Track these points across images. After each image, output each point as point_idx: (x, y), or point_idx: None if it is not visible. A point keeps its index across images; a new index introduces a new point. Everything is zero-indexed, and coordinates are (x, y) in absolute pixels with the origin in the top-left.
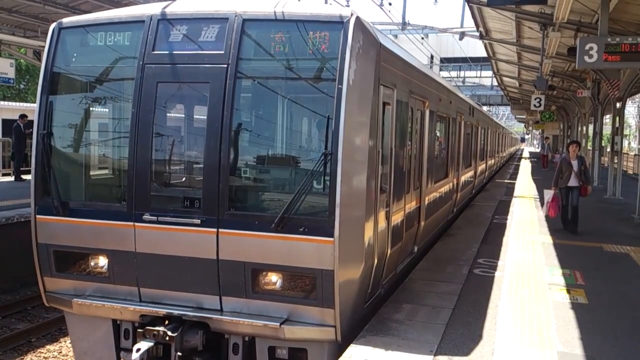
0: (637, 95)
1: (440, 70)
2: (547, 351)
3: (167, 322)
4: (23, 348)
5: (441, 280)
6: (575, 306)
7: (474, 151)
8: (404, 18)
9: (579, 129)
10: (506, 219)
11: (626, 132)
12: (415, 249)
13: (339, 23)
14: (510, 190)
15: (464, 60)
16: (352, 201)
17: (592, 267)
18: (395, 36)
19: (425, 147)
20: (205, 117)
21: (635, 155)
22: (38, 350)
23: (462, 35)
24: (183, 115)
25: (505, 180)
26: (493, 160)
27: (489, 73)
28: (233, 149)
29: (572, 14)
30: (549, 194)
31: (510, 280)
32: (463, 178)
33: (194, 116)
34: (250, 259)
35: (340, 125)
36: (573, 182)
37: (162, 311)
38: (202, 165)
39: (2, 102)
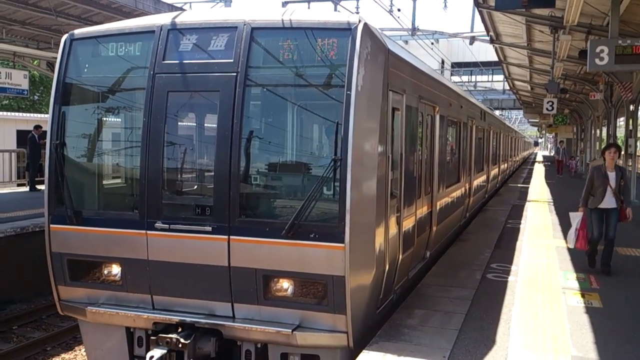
0: None
1: (452, 75)
2: (562, 356)
3: (179, 329)
4: (39, 357)
5: (454, 286)
6: (589, 310)
7: (486, 155)
8: (413, 23)
9: (593, 132)
10: (520, 224)
11: None
12: (428, 254)
13: (347, 30)
14: (523, 195)
15: (475, 64)
16: (362, 207)
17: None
18: (406, 42)
19: (436, 152)
20: (216, 126)
21: None
22: (53, 358)
23: (473, 39)
24: (194, 124)
25: (519, 185)
26: (506, 165)
27: (501, 77)
28: (243, 156)
29: (582, 17)
30: (576, 218)
31: (523, 285)
32: (475, 183)
33: (205, 124)
34: (261, 266)
35: (350, 131)
36: (609, 202)
37: (175, 318)
38: (212, 173)
39: (16, 114)
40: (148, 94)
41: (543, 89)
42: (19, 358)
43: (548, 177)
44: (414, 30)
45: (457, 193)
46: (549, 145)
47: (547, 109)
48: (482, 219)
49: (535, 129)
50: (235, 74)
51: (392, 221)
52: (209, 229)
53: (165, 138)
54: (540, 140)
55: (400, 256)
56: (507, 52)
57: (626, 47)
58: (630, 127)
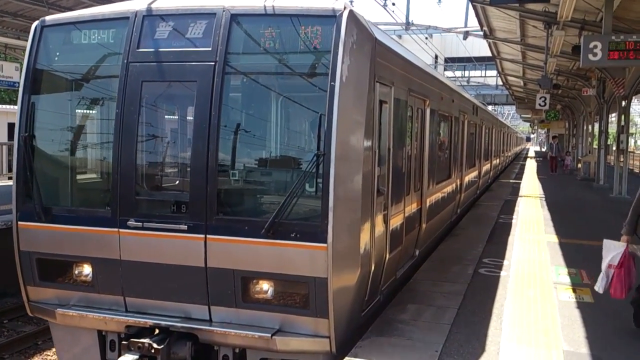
0: None
1: (445, 70)
2: (553, 350)
3: (154, 332)
4: (30, 351)
5: (446, 281)
6: (581, 305)
7: (478, 151)
8: (407, 18)
9: (585, 127)
10: (512, 219)
11: (632, 130)
12: (417, 252)
13: (332, 17)
14: (515, 190)
15: (468, 60)
16: (347, 204)
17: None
18: (400, 36)
19: (426, 147)
20: (192, 117)
21: None
22: (45, 352)
23: (466, 34)
24: (169, 116)
25: (511, 180)
26: (498, 160)
27: (494, 72)
28: (221, 150)
29: (576, 12)
30: (614, 250)
31: (515, 279)
32: (467, 178)
33: (181, 116)
34: (239, 267)
35: (333, 124)
36: None
37: (149, 322)
38: (189, 168)
39: (8, 106)
40: (121, 83)
41: (536, 85)
42: (10, 352)
43: (540, 173)
44: (408, 25)
45: (448, 189)
46: (542, 139)
47: (539, 104)
48: (475, 214)
49: (528, 124)
50: (213, 63)
51: (379, 219)
52: (184, 227)
53: (139, 130)
54: (532, 136)
55: (388, 255)
56: (500, 47)
57: (619, 42)
58: (622, 123)
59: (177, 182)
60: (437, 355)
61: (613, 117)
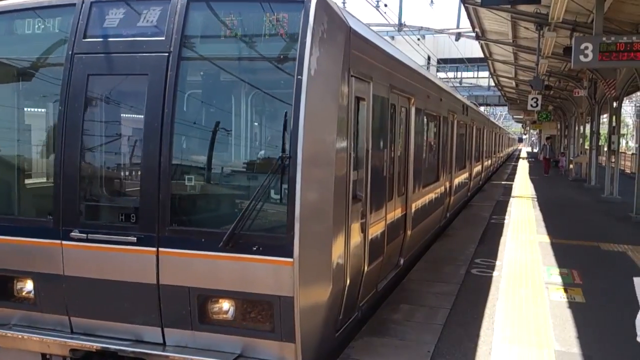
0: (634, 95)
1: (438, 71)
2: (545, 350)
3: (103, 356)
4: None
5: (439, 281)
6: (572, 305)
7: (468, 152)
8: (400, 19)
9: (576, 128)
10: (504, 219)
11: (624, 131)
12: (402, 261)
13: (299, 2)
14: (508, 191)
15: (460, 61)
16: (316, 213)
17: (589, 266)
18: (392, 37)
19: (411, 148)
20: (143, 115)
21: (632, 154)
22: None
23: (459, 36)
24: (119, 113)
25: (503, 182)
26: (490, 161)
27: (486, 74)
28: (175, 152)
29: (567, 14)
30: None
31: (507, 280)
32: (457, 181)
33: (131, 114)
34: (196, 284)
35: (300, 123)
36: None
37: (95, 345)
38: (139, 172)
39: None
40: (65, 77)
41: (528, 86)
42: None
43: (532, 174)
44: (400, 26)
45: (436, 192)
46: (533, 140)
47: (531, 105)
48: (467, 214)
49: (520, 125)
50: (166, 53)
51: (356, 228)
52: (133, 239)
53: (84, 130)
54: (524, 137)
55: (366, 268)
56: (492, 48)
57: (610, 44)
58: (614, 124)
59: (127, 188)
60: (430, 356)
61: (604, 118)
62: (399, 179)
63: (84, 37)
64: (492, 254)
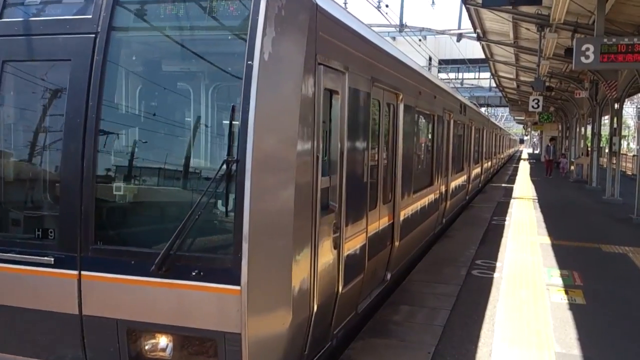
0: (635, 96)
1: (439, 71)
2: (545, 352)
3: None
4: None
5: (439, 282)
6: (573, 307)
7: (466, 154)
8: (401, 20)
9: (578, 130)
10: (505, 220)
11: (625, 133)
12: (388, 276)
13: None
14: (509, 192)
15: (462, 61)
16: (272, 229)
17: (590, 267)
18: (394, 38)
19: (399, 150)
20: (65, 110)
21: (634, 156)
22: None
23: (460, 36)
24: (38, 107)
25: (504, 182)
26: (490, 163)
27: (487, 74)
28: (101, 155)
29: (568, 15)
30: None
31: (508, 281)
32: (453, 184)
33: (53, 108)
34: (125, 316)
35: (250, 118)
36: None
37: None
38: (59, 179)
39: None
40: None
41: (529, 87)
42: None
43: (533, 175)
44: (401, 26)
45: (430, 198)
46: (535, 141)
47: (532, 106)
48: (468, 215)
49: (521, 126)
50: (93, 35)
51: (326, 244)
52: (50, 260)
53: None
54: (525, 138)
55: (341, 289)
56: (493, 49)
57: (611, 45)
58: (615, 125)
59: (44, 197)
60: (430, 357)
61: (606, 120)
62: (385, 185)
63: (1, 17)
64: (493, 255)
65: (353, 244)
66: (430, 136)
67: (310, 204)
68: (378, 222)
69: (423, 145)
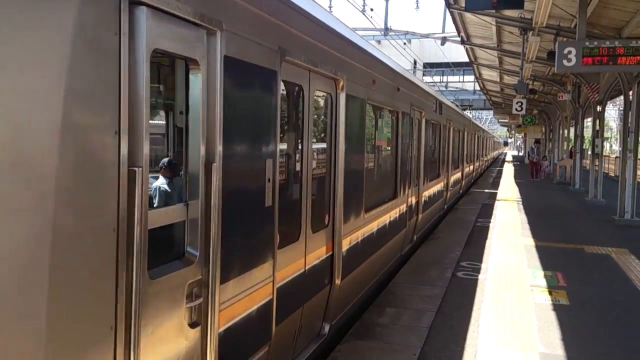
0: (617, 99)
1: (424, 75)
2: (530, 353)
3: None
4: None
5: (425, 284)
6: (557, 308)
7: (444, 158)
8: (386, 24)
9: (561, 132)
10: (489, 222)
11: (607, 135)
12: (326, 328)
13: None
14: (493, 194)
15: (446, 65)
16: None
17: (574, 268)
18: (378, 42)
19: (340, 156)
20: None
21: (616, 157)
22: None
23: (444, 40)
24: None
25: (488, 184)
26: (472, 167)
27: (472, 78)
28: None
29: (551, 19)
30: None
31: (493, 282)
32: (427, 194)
33: None
34: None
35: None
36: None
37: None
38: None
39: None
40: None
41: (512, 90)
42: None
43: (517, 177)
44: (386, 30)
45: (392, 215)
46: (519, 144)
47: (516, 109)
48: (453, 217)
49: (505, 129)
50: None
51: (168, 324)
52: None
53: None
54: (509, 140)
55: None
56: (477, 53)
57: (593, 48)
58: (597, 128)
59: None
60: (416, 358)
61: (588, 122)
62: (318, 206)
63: None
64: (478, 257)
65: (242, 307)
66: (392, 138)
67: (113, 254)
68: (303, 259)
69: (381, 149)
